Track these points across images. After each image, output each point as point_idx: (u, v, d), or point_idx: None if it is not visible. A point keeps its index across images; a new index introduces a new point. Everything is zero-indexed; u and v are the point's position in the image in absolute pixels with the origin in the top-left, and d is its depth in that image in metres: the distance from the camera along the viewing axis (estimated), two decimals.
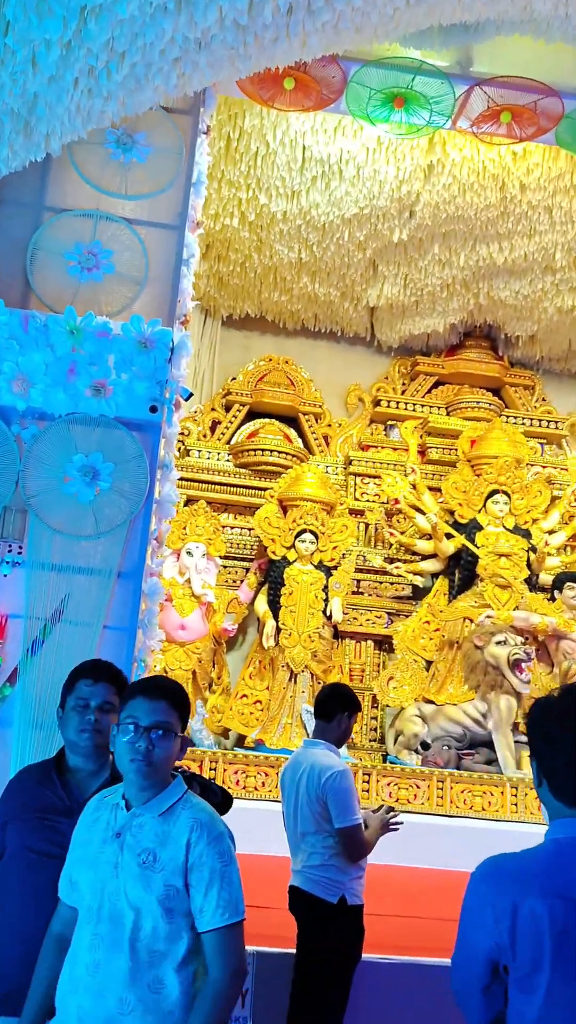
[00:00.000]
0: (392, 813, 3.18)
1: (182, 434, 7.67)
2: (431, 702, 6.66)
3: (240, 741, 6.73)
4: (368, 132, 5.41)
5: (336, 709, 3.25)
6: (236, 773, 5.89)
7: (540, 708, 1.64)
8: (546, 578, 7.12)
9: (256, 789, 5.83)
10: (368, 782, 5.97)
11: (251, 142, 5.45)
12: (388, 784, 6.01)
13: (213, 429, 7.75)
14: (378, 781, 5.99)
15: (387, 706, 6.88)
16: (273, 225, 6.17)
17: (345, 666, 7.02)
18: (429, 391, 8.00)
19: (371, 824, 3.14)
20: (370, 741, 6.91)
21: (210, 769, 5.85)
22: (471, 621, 6.73)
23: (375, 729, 6.98)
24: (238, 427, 7.76)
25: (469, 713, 6.47)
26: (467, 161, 5.43)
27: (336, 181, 5.67)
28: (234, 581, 7.25)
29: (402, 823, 3.17)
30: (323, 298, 7.16)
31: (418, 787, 6.01)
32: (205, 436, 7.71)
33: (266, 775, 5.88)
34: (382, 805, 3.26)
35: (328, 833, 3.03)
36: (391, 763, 6.39)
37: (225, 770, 5.87)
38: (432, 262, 6.49)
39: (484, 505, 7.05)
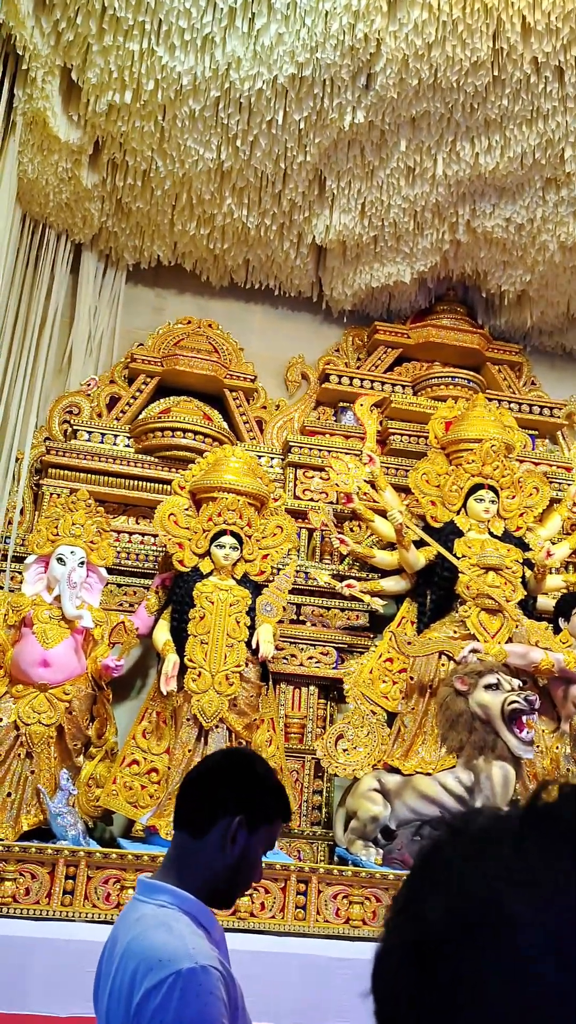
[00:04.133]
0: None
1: (69, 412, 5.87)
2: (396, 771, 4.79)
3: (128, 830, 4.77)
4: None
5: (216, 810, 1.41)
6: (106, 883, 3.91)
7: None
8: (546, 602, 5.37)
9: None
10: (305, 894, 4.03)
11: None
12: (334, 896, 4.08)
13: (111, 407, 5.94)
14: (320, 892, 4.06)
15: (335, 776, 4.99)
16: (180, 102, 4.45)
17: (278, 720, 5.11)
18: (391, 368, 6.32)
19: None
20: (312, 826, 4.99)
21: (67, 878, 3.87)
22: (450, 658, 4.92)
23: (319, 808, 5.07)
24: (144, 405, 5.96)
25: (449, 787, 4.61)
26: None
27: (263, 17, 3.99)
28: (131, 605, 5.36)
29: None
30: (254, 233, 5.46)
31: (378, 900, 4.10)
32: (101, 416, 5.89)
33: None
34: None
35: None
36: (340, 861, 4.48)
37: (90, 878, 3.89)
38: (397, 171, 4.82)
39: (464, 504, 5.31)
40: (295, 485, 5.72)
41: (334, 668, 5.28)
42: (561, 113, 4.33)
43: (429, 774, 4.69)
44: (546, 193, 4.86)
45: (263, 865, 1.51)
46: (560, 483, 5.81)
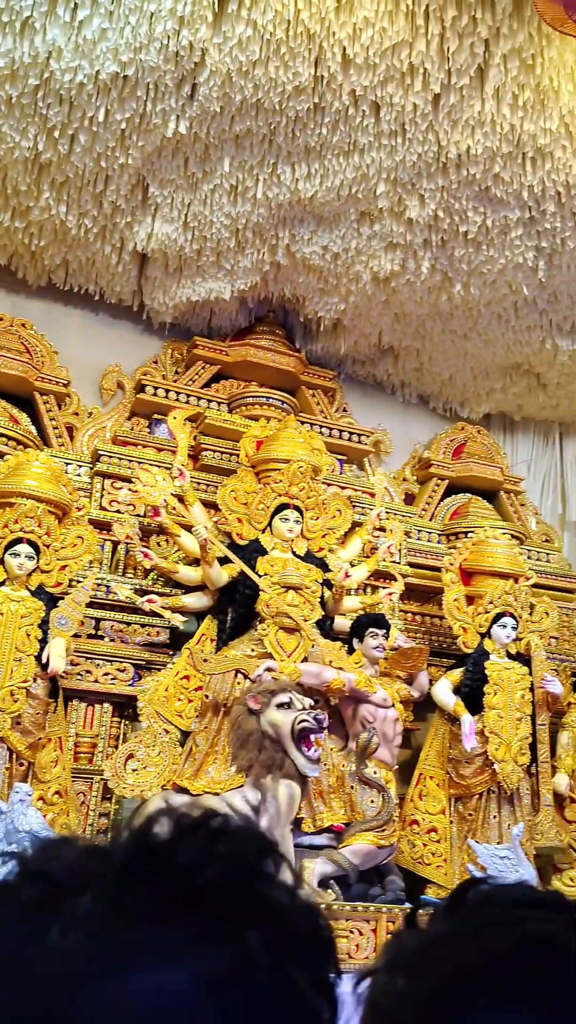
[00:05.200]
0: None
1: None
2: (184, 791, 4.73)
3: None
4: None
5: None
6: None
7: None
8: (342, 622, 5.52)
9: None
10: None
11: None
12: None
13: None
14: None
15: (124, 798, 4.85)
16: None
17: (68, 739, 4.91)
18: (208, 384, 6.31)
19: None
20: None
21: None
22: (245, 676, 4.93)
23: (105, 832, 4.90)
24: None
25: (235, 806, 4.55)
26: None
27: (86, 9, 3.88)
28: None
29: None
30: (74, 233, 5.29)
31: None
32: None
33: None
34: None
35: None
36: None
37: None
38: (220, 188, 4.83)
39: (270, 523, 5.37)
40: (102, 495, 5.56)
41: (130, 685, 5.15)
42: (376, 149, 4.50)
43: (217, 794, 4.66)
44: (360, 226, 5.05)
45: None
46: (363, 507, 6.01)
